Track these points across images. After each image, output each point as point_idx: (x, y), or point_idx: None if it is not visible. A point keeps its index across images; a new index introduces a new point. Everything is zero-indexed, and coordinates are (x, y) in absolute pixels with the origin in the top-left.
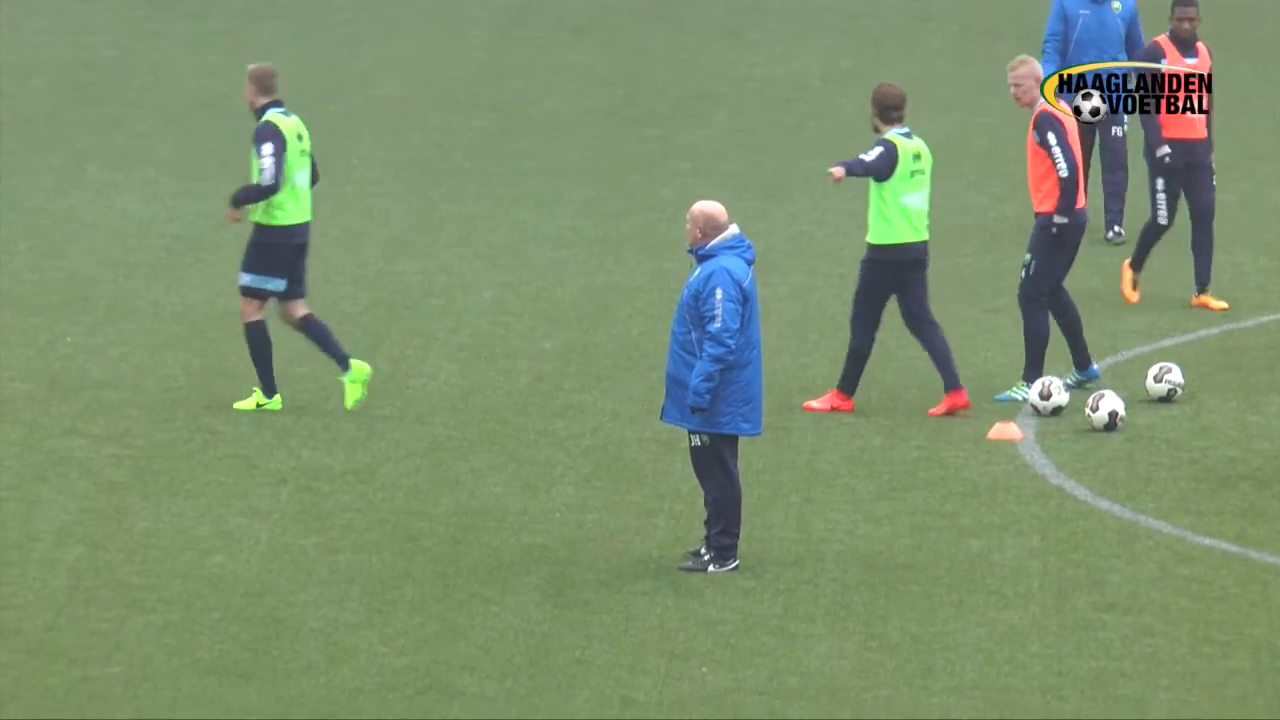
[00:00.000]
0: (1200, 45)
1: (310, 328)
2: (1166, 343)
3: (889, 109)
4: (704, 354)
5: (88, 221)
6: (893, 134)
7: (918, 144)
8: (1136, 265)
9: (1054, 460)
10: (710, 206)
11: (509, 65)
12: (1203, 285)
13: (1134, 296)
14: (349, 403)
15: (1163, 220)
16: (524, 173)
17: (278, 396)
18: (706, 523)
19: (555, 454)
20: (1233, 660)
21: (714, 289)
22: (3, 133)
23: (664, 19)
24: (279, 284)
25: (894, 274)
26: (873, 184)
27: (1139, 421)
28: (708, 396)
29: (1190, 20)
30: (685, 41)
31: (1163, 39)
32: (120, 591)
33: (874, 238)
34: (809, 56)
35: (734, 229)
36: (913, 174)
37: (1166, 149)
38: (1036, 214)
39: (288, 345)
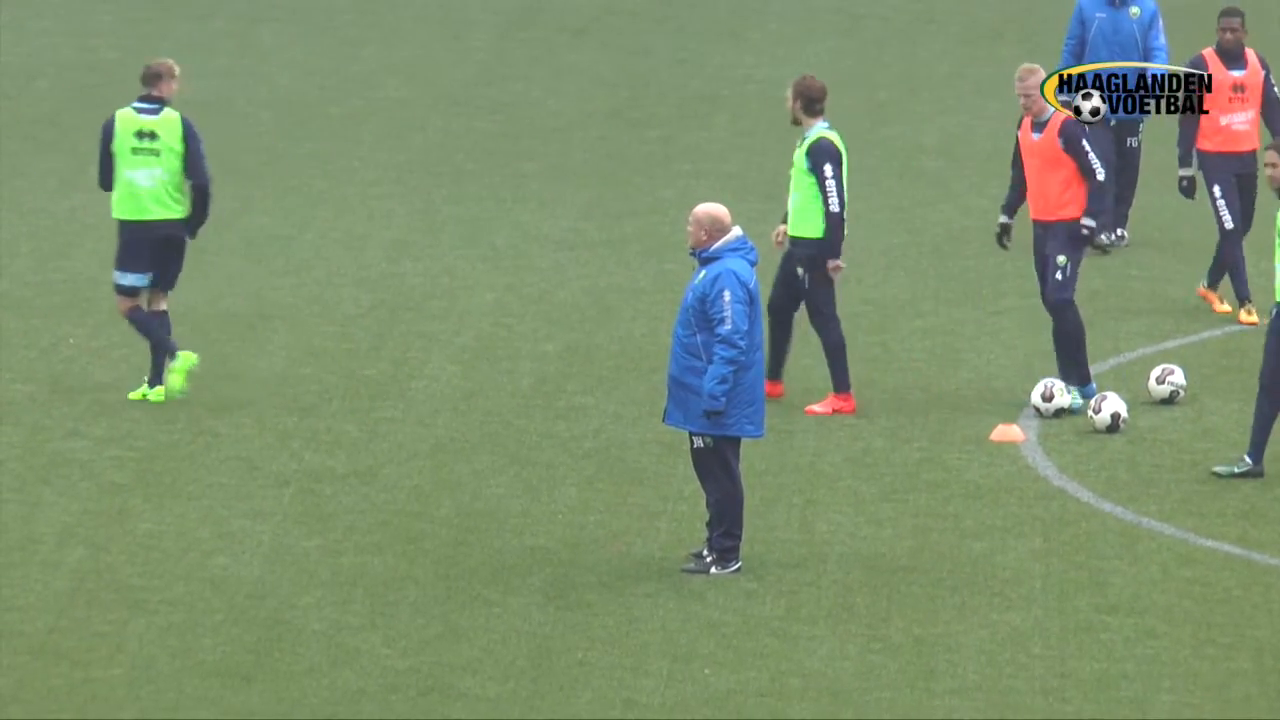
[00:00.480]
0: (1250, 54)
1: (152, 319)
2: (1169, 344)
3: (814, 101)
4: (716, 357)
5: (90, 223)
6: (821, 128)
7: (837, 135)
8: (1213, 284)
9: (1056, 462)
10: (714, 208)
11: (511, 67)
12: (1213, 283)
13: (1227, 309)
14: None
15: (1228, 225)
16: (526, 174)
17: (160, 388)
18: (709, 524)
19: (557, 456)
20: (1235, 662)
21: (721, 291)
22: (5, 134)
23: (665, 21)
24: (141, 279)
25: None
26: (813, 181)
27: (1141, 423)
28: (723, 399)
29: (1233, 31)
30: (687, 43)
31: (1208, 52)
32: (122, 593)
33: (816, 232)
34: (811, 58)
35: (737, 231)
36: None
37: (1187, 173)
38: (1057, 220)
39: (289, 346)
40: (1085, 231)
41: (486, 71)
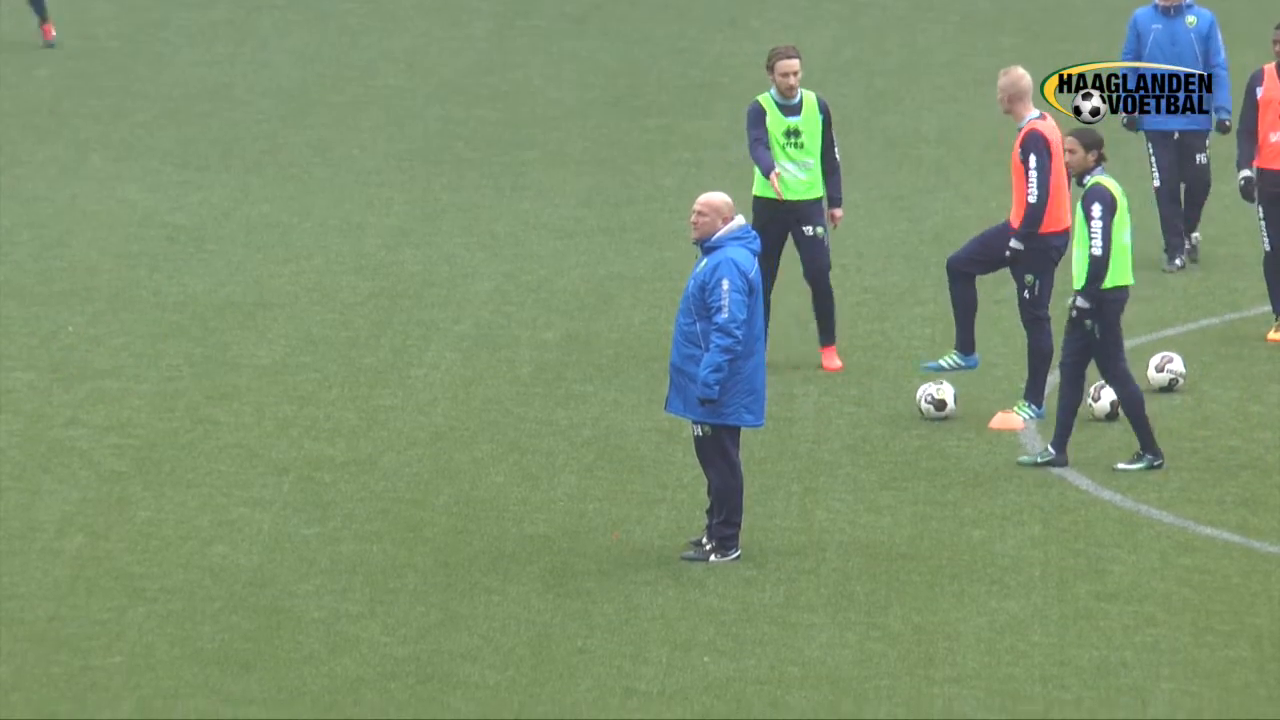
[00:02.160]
0: None
1: None
2: (1168, 332)
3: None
4: (712, 345)
5: (90, 211)
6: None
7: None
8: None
9: None
10: (717, 197)
11: (511, 55)
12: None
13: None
14: None
15: (1266, 247)
16: (526, 162)
17: None
18: (708, 512)
19: (557, 444)
20: (1235, 650)
21: (720, 280)
22: (6, 122)
23: (665, 8)
24: None
25: None
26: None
27: None
28: (717, 388)
29: None
30: (687, 31)
31: (1269, 67)
32: (122, 581)
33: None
34: (811, 46)
35: (740, 220)
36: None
37: (1245, 173)
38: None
39: (288, 334)
40: (1008, 253)
41: (486, 60)
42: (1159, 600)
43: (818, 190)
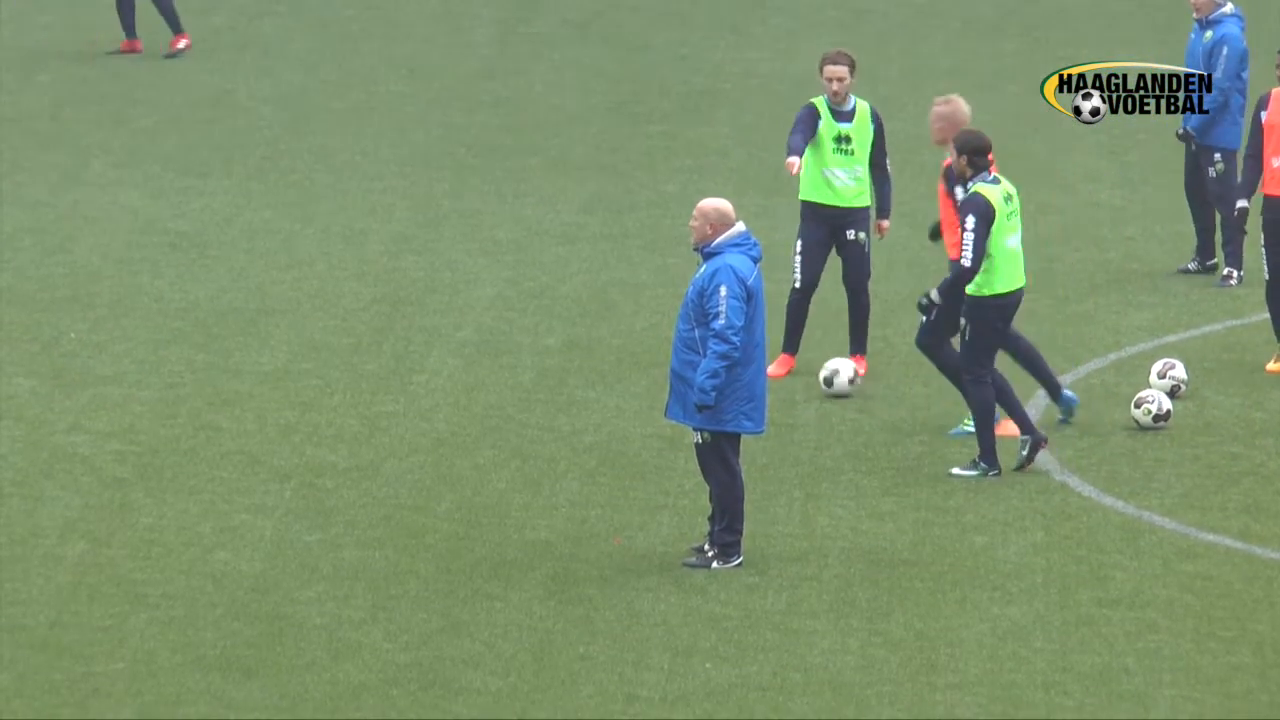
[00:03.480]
0: None
1: None
2: (1170, 339)
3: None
4: (709, 352)
5: (91, 217)
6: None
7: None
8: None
9: (1058, 456)
10: (717, 203)
11: (513, 61)
12: None
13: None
14: None
15: (1266, 276)
16: (528, 169)
17: None
18: (710, 519)
19: (559, 450)
20: (1236, 656)
21: (718, 286)
22: (7, 128)
23: (667, 15)
24: None
25: None
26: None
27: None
28: (714, 394)
29: None
30: (689, 37)
31: (1276, 91)
32: (124, 587)
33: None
34: (813, 52)
35: (740, 226)
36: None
37: (1241, 204)
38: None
39: (290, 341)
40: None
41: (488, 66)
42: (1161, 607)
43: (865, 199)
